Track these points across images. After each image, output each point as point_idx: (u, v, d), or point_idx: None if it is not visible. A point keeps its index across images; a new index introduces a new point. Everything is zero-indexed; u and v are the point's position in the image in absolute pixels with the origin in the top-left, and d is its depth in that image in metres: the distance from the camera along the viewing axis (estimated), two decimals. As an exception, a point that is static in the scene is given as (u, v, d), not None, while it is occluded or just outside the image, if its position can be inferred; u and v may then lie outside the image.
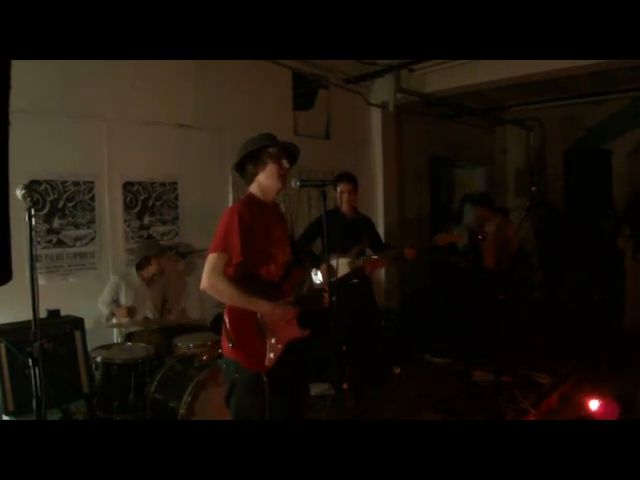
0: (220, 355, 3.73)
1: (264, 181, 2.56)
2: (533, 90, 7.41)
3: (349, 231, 4.16)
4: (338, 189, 4.25)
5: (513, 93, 7.69)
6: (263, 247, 2.52)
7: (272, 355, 2.50)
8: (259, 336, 2.48)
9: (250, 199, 2.58)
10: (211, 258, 2.40)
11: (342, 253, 4.04)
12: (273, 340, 2.51)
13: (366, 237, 4.32)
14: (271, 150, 2.53)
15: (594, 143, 8.25)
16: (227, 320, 2.49)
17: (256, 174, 2.56)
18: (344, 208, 4.31)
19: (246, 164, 2.57)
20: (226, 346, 2.52)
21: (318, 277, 2.90)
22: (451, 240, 4.06)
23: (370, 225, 4.57)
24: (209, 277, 2.37)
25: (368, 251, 4.32)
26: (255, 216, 2.48)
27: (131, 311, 4.25)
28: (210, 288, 2.39)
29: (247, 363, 2.47)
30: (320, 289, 2.70)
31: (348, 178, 4.31)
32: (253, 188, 2.61)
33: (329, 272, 2.84)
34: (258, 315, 2.48)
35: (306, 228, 4.45)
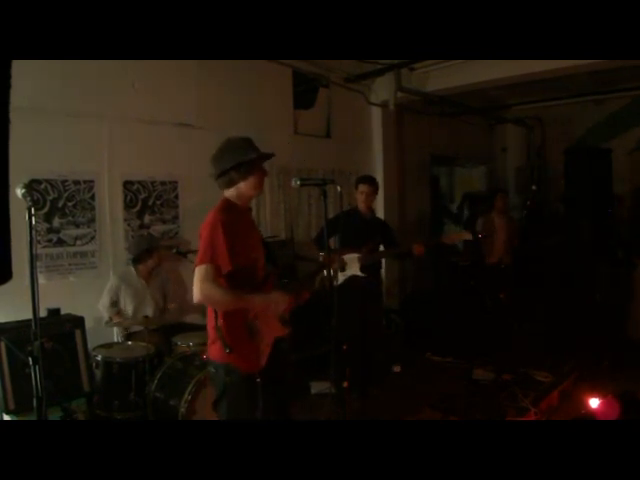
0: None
1: (245, 189, 2.58)
2: (533, 89, 7.40)
3: (366, 230, 4.38)
4: (359, 189, 4.48)
5: (513, 92, 7.69)
6: (246, 252, 2.53)
7: (263, 355, 2.54)
8: (250, 338, 2.50)
9: (227, 205, 2.57)
10: (200, 270, 2.38)
11: (355, 249, 4.23)
12: (263, 341, 2.54)
13: (381, 237, 4.47)
14: (257, 161, 2.56)
15: (594, 142, 8.26)
16: (222, 327, 2.46)
17: (238, 182, 2.56)
18: (362, 208, 4.49)
19: (229, 171, 2.56)
20: (217, 352, 2.50)
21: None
22: (459, 239, 4.04)
23: (386, 227, 4.73)
24: (201, 288, 2.35)
25: (381, 247, 4.41)
26: (235, 223, 2.49)
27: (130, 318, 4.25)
28: (204, 299, 2.38)
29: (244, 366, 2.48)
30: (309, 275, 2.72)
31: (370, 180, 4.53)
32: (229, 193, 2.60)
33: (328, 269, 2.85)
34: (247, 318, 2.49)
35: (322, 226, 4.53)
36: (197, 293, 2.36)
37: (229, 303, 2.43)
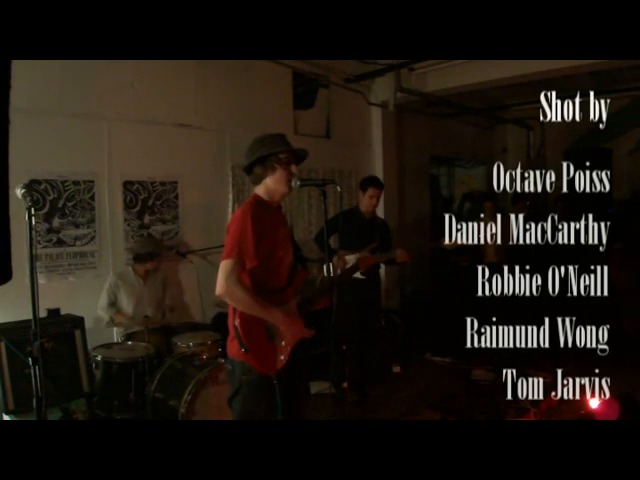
0: (220, 355, 3.75)
1: (272, 185, 2.55)
2: (533, 89, 7.40)
3: (366, 231, 4.37)
4: (368, 192, 4.43)
5: (513, 92, 7.69)
6: (272, 250, 2.51)
7: (282, 357, 2.51)
8: (269, 340, 2.48)
9: (257, 201, 2.56)
10: (225, 264, 2.37)
11: (355, 249, 4.21)
12: (283, 342, 2.52)
13: (379, 238, 4.42)
14: (281, 156, 2.52)
15: (594, 142, 8.25)
16: (239, 326, 2.43)
17: (264, 177, 2.55)
18: (365, 209, 4.47)
19: (254, 166, 2.56)
20: (234, 349, 2.49)
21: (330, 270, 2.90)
22: (460, 245, 4.00)
23: (385, 228, 4.68)
24: (225, 284, 2.34)
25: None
26: (264, 219, 2.48)
27: (131, 318, 4.24)
28: (226, 295, 2.37)
29: (260, 367, 2.45)
30: (326, 287, 2.69)
31: (378, 183, 4.50)
32: (259, 190, 2.59)
33: (329, 269, 2.83)
34: (265, 320, 2.48)
35: (323, 225, 4.51)
36: (219, 287, 2.36)
37: (247, 305, 2.40)
